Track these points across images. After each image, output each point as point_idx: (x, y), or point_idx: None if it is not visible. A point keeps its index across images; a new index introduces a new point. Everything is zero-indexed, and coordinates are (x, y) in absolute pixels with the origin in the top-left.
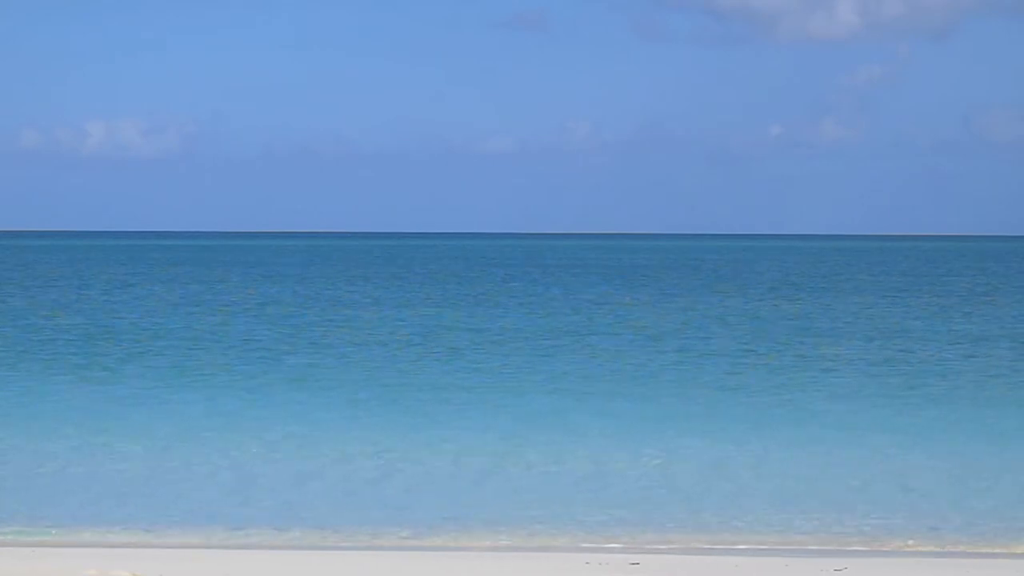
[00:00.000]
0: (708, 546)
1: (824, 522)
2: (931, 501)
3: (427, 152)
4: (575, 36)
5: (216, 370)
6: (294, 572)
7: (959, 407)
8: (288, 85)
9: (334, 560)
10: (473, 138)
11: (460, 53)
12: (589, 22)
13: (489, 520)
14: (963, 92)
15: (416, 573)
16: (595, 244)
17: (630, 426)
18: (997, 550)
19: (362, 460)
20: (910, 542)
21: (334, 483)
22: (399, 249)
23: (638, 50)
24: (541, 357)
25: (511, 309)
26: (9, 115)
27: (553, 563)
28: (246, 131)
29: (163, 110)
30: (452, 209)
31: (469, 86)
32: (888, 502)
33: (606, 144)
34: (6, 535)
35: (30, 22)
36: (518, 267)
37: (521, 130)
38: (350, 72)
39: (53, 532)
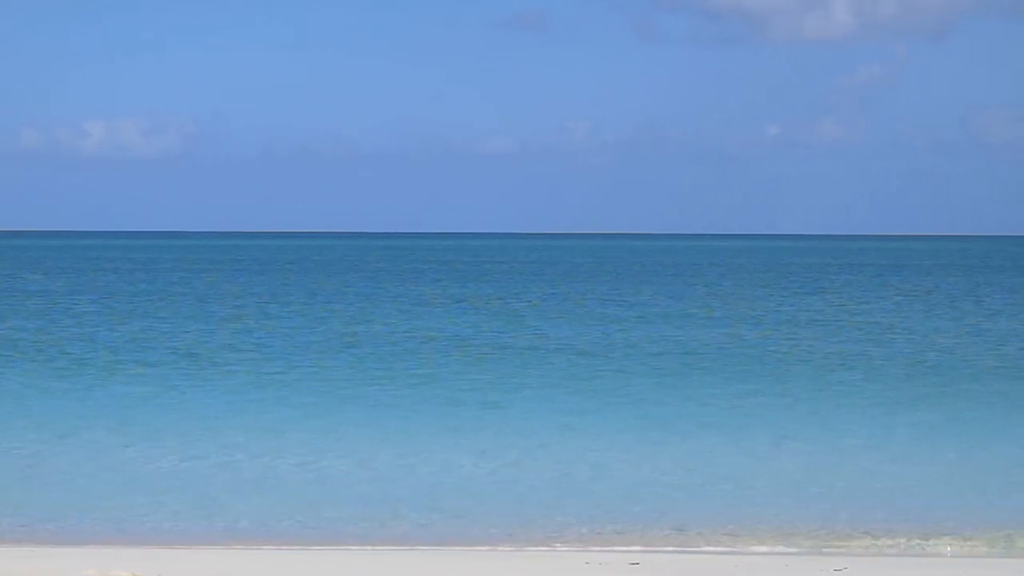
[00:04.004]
0: (708, 546)
1: (824, 522)
2: (931, 501)
3: (427, 152)
4: (575, 36)
5: (214, 371)
6: (293, 571)
7: (959, 406)
8: (288, 85)
9: (333, 559)
10: (473, 138)
11: (460, 53)
12: (589, 22)
13: (489, 520)
14: (960, 93)
15: (415, 572)
16: (594, 244)
17: (630, 426)
18: (996, 550)
19: (361, 460)
20: (909, 542)
21: (334, 482)
22: (391, 250)
23: (637, 50)
24: (532, 360)
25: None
26: (9, 115)
27: (553, 563)
28: (246, 131)
29: (163, 110)
30: (452, 209)
31: (469, 86)
32: (888, 502)
33: (606, 144)
34: (6, 535)
35: (30, 22)
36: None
37: (521, 130)
38: (350, 72)
39: (52, 532)
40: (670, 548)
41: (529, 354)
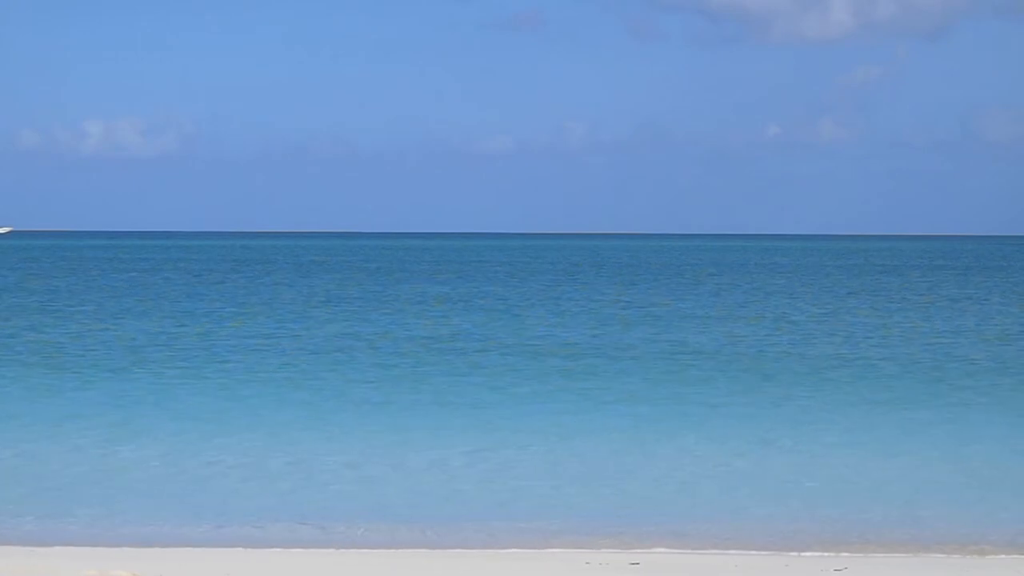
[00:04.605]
0: (708, 546)
1: (824, 522)
2: (930, 500)
3: (426, 152)
4: (572, 37)
5: (210, 370)
6: (294, 571)
7: (957, 406)
8: (286, 85)
9: (334, 559)
10: (471, 138)
11: (459, 53)
12: (586, 23)
13: (489, 520)
14: (959, 93)
15: (416, 573)
16: (593, 244)
17: (630, 426)
18: (996, 549)
19: (362, 459)
20: (909, 542)
21: (334, 482)
22: (389, 250)
23: (634, 51)
24: (526, 360)
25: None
26: (9, 115)
27: (553, 563)
28: (245, 131)
29: (162, 110)
30: (451, 209)
31: (468, 86)
32: (888, 501)
33: (603, 144)
34: (5, 535)
35: (30, 22)
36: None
37: (519, 130)
38: (348, 72)
39: (51, 532)
40: (670, 548)
41: (524, 354)
